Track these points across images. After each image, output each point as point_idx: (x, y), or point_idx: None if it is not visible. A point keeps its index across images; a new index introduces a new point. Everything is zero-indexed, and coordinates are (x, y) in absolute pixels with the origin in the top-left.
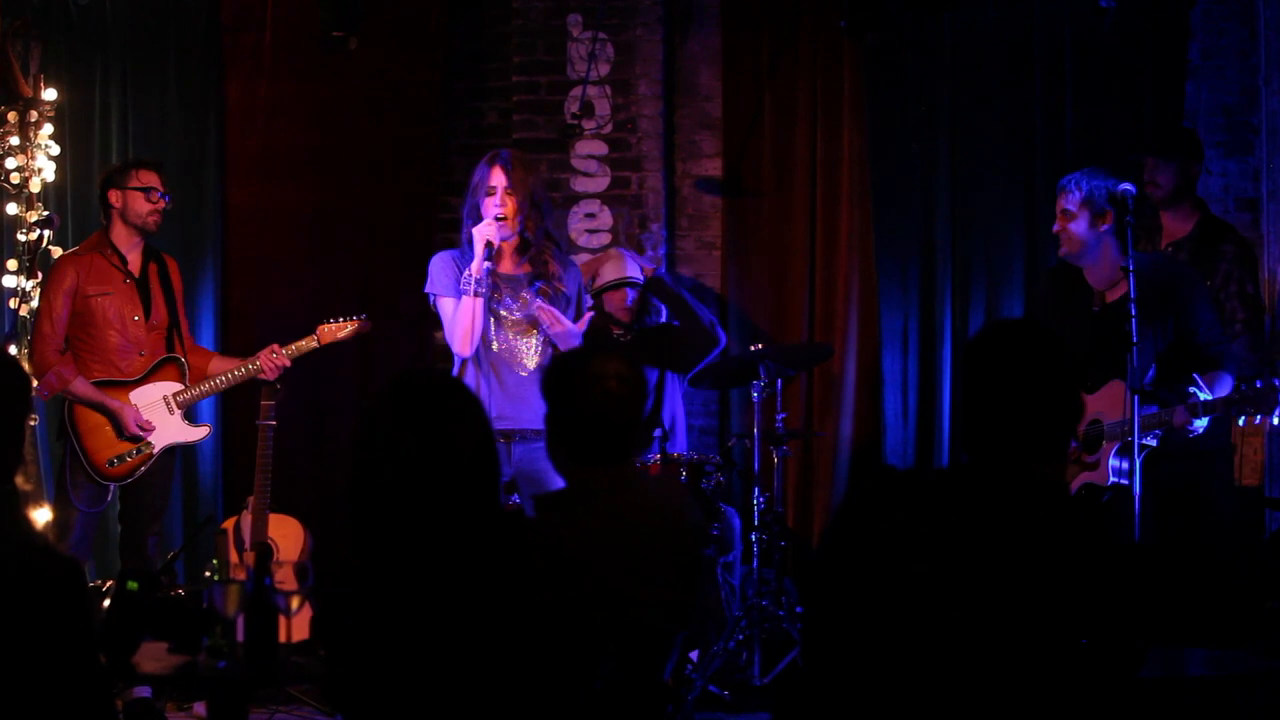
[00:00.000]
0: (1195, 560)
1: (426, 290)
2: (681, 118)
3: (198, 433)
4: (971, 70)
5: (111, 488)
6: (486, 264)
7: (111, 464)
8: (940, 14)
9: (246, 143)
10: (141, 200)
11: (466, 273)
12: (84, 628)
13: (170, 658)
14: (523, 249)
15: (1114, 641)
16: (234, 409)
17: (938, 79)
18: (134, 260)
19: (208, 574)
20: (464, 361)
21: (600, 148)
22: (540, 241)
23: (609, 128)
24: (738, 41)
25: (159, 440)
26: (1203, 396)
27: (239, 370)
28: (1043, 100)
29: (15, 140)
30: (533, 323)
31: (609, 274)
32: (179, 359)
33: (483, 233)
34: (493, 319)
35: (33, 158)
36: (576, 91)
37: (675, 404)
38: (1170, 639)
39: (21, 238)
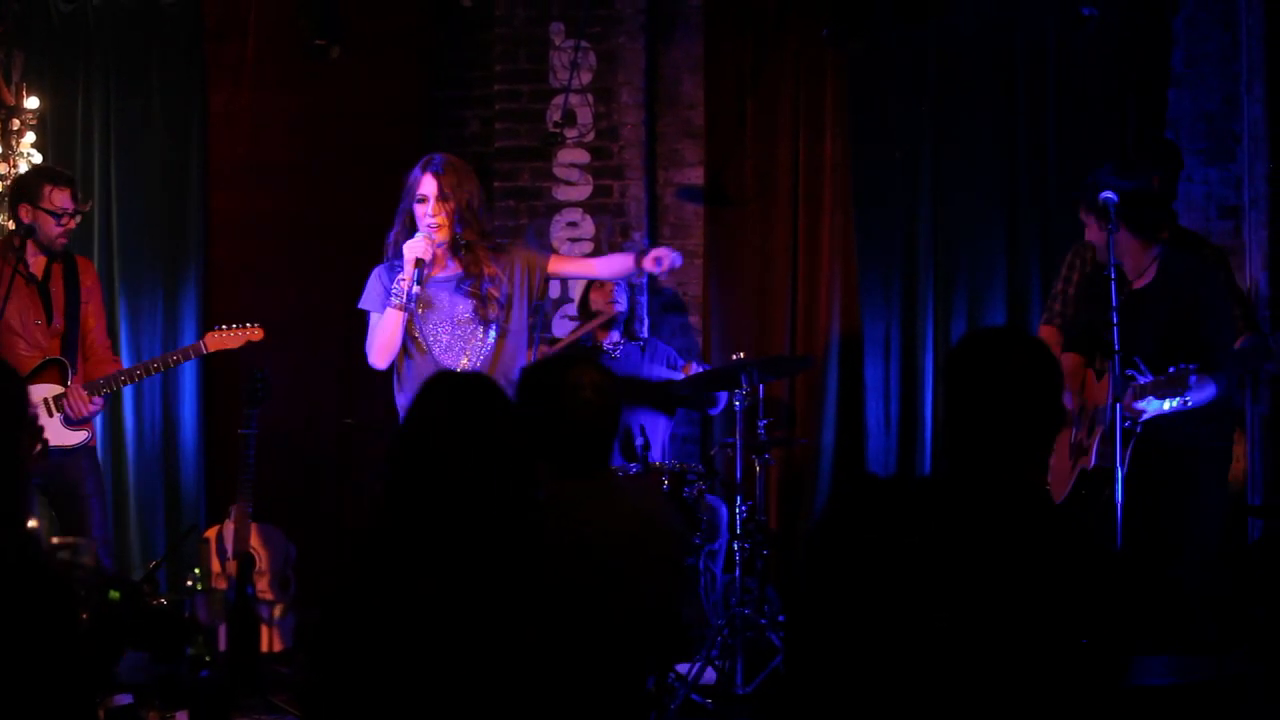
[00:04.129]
0: (1176, 561)
1: (360, 306)
2: (664, 126)
3: (75, 437)
4: (954, 78)
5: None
6: (415, 288)
7: None
8: (923, 22)
9: (229, 151)
10: (51, 224)
11: (396, 284)
12: (67, 640)
13: (152, 667)
14: (454, 251)
15: (1099, 649)
16: (217, 417)
17: (920, 87)
18: (37, 263)
19: (190, 583)
20: (393, 365)
21: (582, 156)
22: (477, 244)
23: (591, 136)
24: (720, 50)
25: None
26: (1141, 380)
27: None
28: (1025, 108)
29: None
30: (466, 325)
31: None
32: (62, 361)
33: (414, 249)
34: (427, 324)
35: (14, 165)
36: (559, 100)
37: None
38: (1154, 644)
39: None
